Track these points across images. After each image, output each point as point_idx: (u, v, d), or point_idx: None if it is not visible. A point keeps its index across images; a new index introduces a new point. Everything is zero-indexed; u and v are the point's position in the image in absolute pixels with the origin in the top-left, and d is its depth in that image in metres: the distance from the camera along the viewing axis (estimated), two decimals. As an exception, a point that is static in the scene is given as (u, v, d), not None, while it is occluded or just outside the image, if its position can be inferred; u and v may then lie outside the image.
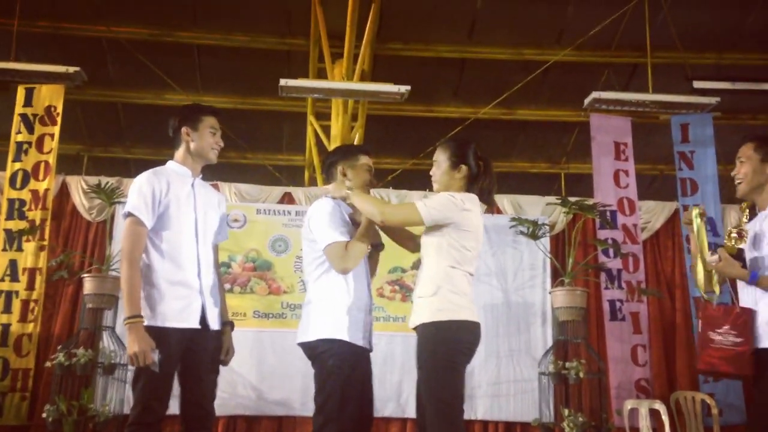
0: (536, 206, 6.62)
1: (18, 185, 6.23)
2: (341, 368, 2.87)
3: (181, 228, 2.93)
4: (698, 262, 2.96)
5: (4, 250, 6.07)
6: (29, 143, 6.34)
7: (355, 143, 7.33)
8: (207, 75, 8.38)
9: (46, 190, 6.22)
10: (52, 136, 6.39)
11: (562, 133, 8.95)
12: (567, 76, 7.97)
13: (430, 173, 3.07)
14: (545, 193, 7.14)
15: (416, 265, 3.09)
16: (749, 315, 2.82)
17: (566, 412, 5.35)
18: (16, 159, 6.31)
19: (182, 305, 2.86)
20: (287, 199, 6.55)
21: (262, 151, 9.11)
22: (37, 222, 6.11)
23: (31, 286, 5.99)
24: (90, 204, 6.33)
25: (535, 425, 5.68)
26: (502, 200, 6.60)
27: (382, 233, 3.20)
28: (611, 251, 6.25)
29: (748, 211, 3.06)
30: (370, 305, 3.08)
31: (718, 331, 2.81)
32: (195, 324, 2.88)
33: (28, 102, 6.46)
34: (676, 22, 6.95)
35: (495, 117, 8.32)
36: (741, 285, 2.93)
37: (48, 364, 5.42)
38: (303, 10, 7.25)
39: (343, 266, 2.92)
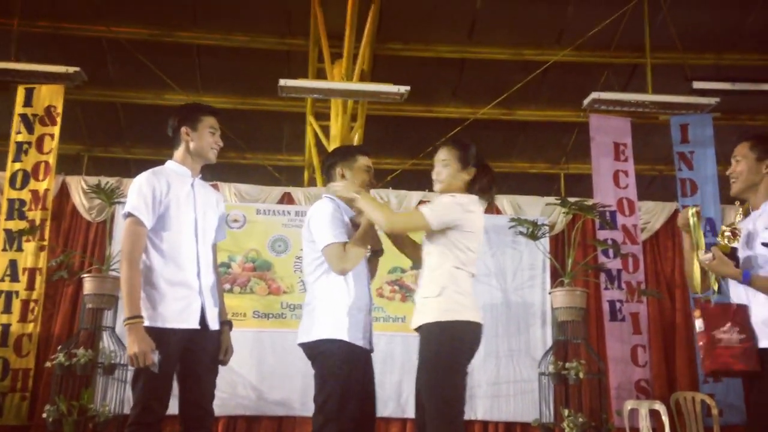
0: (536, 207, 6.62)
1: (18, 185, 6.23)
2: (341, 368, 2.87)
3: (180, 228, 2.92)
4: (694, 261, 2.96)
5: (4, 250, 6.08)
6: (29, 143, 6.35)
7: (355, 143, 7.33)
8: (207, 75, 8.38)
9: (46, 190, 6.23)
10: (52, 136, 6.39)
11: (562, 133, 8.94)
12: (566, 76, 7.97)
13: (433, 174, 3.07)
14: (545, 193, 7.15)
15: (416, 266, 3.10)
16: (746, 311, 2.82)
17: (566, 412, 5.35)
18: (16, 159, 6.31)
19: (182, 306, 2.86)
20: (287, 199, 6.55)
21: (261, 151, 9.11)
22: (37, 222, 6.12)
23: (31, 286, 6.00)
24: (90, 204, 6.33)
25: (535, 425, 5.68)
26: (502, 200, 6.59)
27: (384, 238, 3.20)
28: (611, 252, 6.26)
29: (741, 210, 3.06)
30: (370, 306, 3.09)
31: (722, 329, 2.80)
32: (195, 324, 2.88)
33: (28, 102, 6.46)
34: (675, 23, 6.95)
35: (495, 117, 8.32)
36: (732, 284, 2.93)
37: (48, 364, 5.43)
38: (303, 10, 7.24)
39: (341, 267, 2.93)
